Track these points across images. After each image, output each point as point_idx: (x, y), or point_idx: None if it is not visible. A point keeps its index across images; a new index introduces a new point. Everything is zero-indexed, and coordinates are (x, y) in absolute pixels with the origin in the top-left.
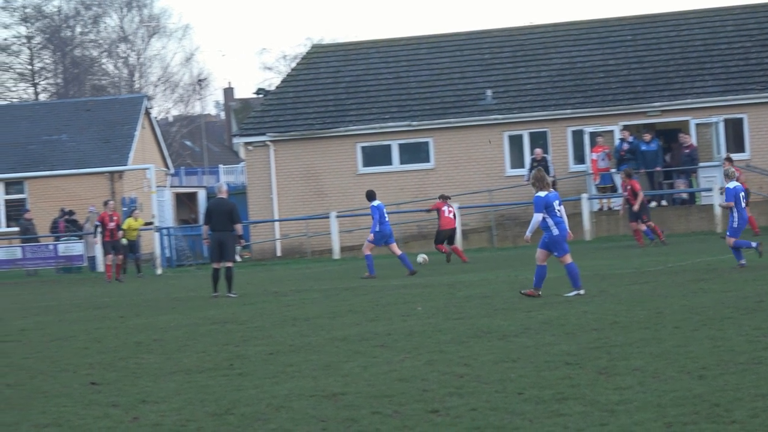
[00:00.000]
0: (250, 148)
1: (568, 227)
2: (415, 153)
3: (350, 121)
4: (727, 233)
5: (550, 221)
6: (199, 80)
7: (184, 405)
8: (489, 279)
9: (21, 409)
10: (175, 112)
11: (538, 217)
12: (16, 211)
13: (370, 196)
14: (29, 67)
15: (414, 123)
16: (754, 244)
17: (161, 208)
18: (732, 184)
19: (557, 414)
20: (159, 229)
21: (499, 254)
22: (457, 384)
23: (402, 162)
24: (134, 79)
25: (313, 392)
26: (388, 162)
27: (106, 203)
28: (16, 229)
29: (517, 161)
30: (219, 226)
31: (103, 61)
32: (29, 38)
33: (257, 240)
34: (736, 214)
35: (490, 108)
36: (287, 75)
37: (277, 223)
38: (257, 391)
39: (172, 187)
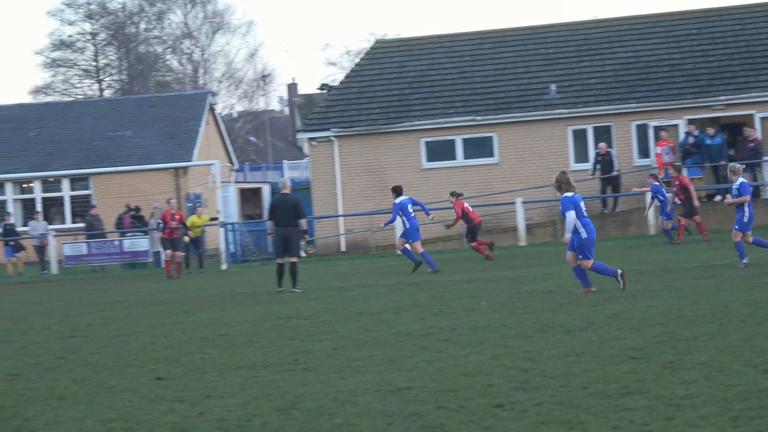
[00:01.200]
0: (314, 143)
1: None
2: (479, 148)
3: (414, 116)
4: (735, 227)
5: (578, 223)
6: (263, 76)
7: (250, 400)
8: (553, 274)
9: (87, 404)
10: (239, 108)
11: (572, 215)
12: (81, 207)
13: (396, 191)
14: (94, 63)
15: (478, 118)
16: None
17: (226, 204)
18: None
19: (622, 408)
20: (224, 225)
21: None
22: (522, 378)
23: (466, 157)
24: (198, 75)
25: (378, 387)
26: (452, 157)
27: (168, 201)
28: (82, 225)
29: (582, 155)
30: (283, 222)
31: (168, 57)
32: (94, 35)
33: (321, 235)
34: (747, 210)
35: (554, 102)
36: (351, 70)
37: (341, 219)
38: (322, 386)
39: (236, 182)
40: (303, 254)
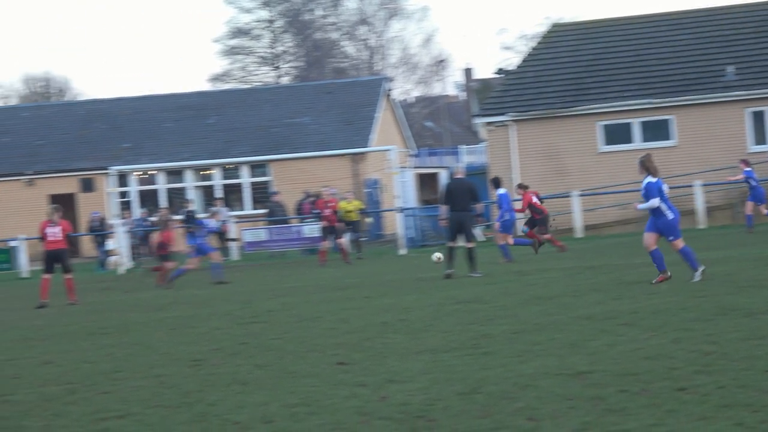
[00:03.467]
0: (490, 128)
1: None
2: (656, 130)
3: (590, 99)
4: None
5: (663, 206)
6: (439, 61)
7: (431, 384)
8: (733, 257)
9: (270, 389)
10: (415, 94)
11: (656, 201)
12: (261, 194)
13: (496, 183)
14: (271, 50)
15: (655, 100)
16: None
17: (404, 189)
18: None
19: None
20: (402, 210)
21: (742, 231)
22: (704, 362)
23: (643, 140)
24: (374, 61)
25: (559, 371)
26: (629, 140)
27: (321, 190)
28: (263, 211)
29: (761, 137)
30: (459, 206)
31: (344, 43)
32: (271, 22)
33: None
34: None
35: (731, 84)
36: (527, 54)
37: (517, 203)
38: (503, 370)
39: (414, 167)
40: (481, 238)
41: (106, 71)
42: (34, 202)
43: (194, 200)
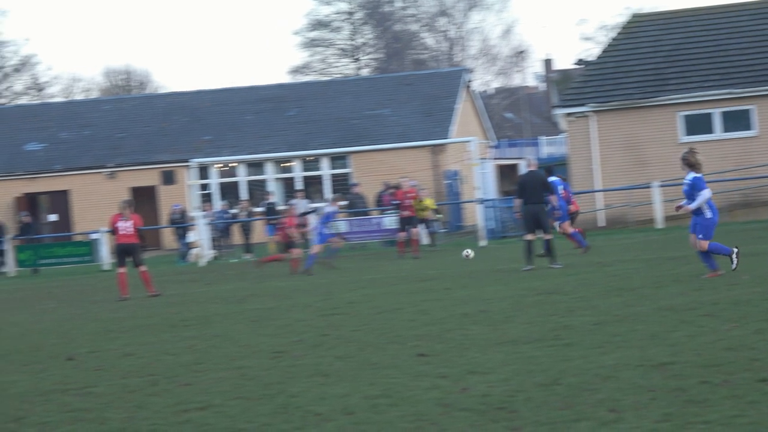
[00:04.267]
0: (570, 119)
1: None
2: (737, 121)
3: (671, 90)
4: None
5: (705, 204)
6: (519, 52)
7: (512, 375)
8: None
9: (351, 381)
10: (495, 85)
11: (708, 193)
12: (340, 186)
13: (548, 172)
14: (351, 42)
15: (736, 90)
16: None
17: (484, 180)
18: None
19: None
20: (482, 201)
21: None
22: None
23: (724, 130)
24: (454, 52)
25: (640, 362)
26: (710, 130)
27: (401, 181)
28: (343, 203)
29: None
30: (533, 199)
31: (424, 35)
32: (350, 14)
33: (579, 211)
34: None
35: None
36: (607, 45)
37: (599, 194)
38: (584, 362)
39: (494, 159)
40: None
41: (186, 64)
42: (116, 194)
43: (274, 192)
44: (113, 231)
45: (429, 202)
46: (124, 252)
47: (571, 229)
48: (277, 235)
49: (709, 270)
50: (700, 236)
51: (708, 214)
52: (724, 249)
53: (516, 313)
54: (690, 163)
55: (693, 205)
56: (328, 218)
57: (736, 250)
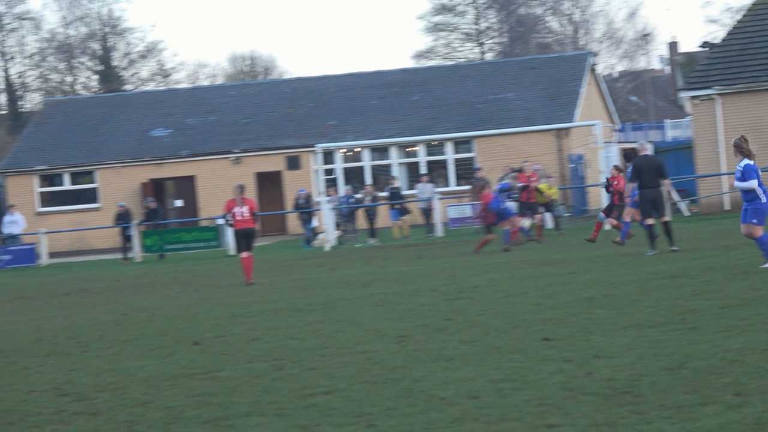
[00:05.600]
0: (695, 101)
1: None
2: None
3: None
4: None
5: (759, 189)
6: (644, 35)
7: (637, 360)
8: None
9: (476, 365)
10: (620, 68)
11: (755, 182)
12: (465, 170)
13: (628, 157)
14: (475, 26)
15: None
16: None
17: (608, 164)
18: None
19: None
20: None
21: None
22: None
23: None
24: (578, 35)
25: (766, 346)
26: None
27: (523, 165)
28: (466, 187)
29: None
30: (649, 183)
31: (548, 19)
32: None
33: (705, 194)
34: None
35: None
36: (732, 27)
37: (724, 177)
38: (709, 345)
39: (618, 142)
40: (687, 213)
41: (311, 49)
42: (242, 179)
43: (398, 177)
44: (231, 216)
45: (544, 186)
46: (243, 237)
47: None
48: (478, 215)
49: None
50: (755, 221)
51: (763, 198)
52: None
53: (641, 297)
54: (742, 150)
55: (743, 185)
56: (502, 194)
57: None
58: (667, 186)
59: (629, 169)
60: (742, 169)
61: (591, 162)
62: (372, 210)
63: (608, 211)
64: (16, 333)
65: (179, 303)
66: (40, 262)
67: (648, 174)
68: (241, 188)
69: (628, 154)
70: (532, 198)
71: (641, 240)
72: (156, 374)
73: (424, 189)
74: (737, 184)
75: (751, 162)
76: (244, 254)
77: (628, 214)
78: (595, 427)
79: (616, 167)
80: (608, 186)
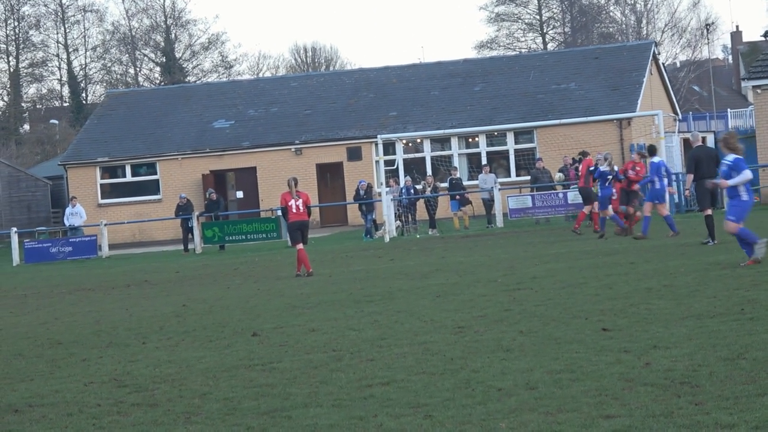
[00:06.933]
0: (758, 91)
1: None
2: None
3: None
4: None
5: (742, 187)
6: (707, 25)
7: (696, 350)
8: None
9: (534, 356)
10: (682, 58)
11: (749, 173)
12: (525, 161)
13: (651, 151)
14: (537, 17)
15: None
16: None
17: (670, 154)
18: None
19: None
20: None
21: None
22: None
23: None
24: (641, 25)
25: None
26: None
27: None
28: (527, 177)
29: None
30: (707, 174)
31: (611, 8)
32: None
33: (766, 184)
34: None
35: None
36: None
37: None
38: None
39: (680, 132)
40: None
41: (373, 40)
42: (303, 171)
43: (458, 168)
44: (286, 210)
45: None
46: (298, 229)
47: (666, 212)
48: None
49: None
50: (732, 218)
51: (744, 196)
52: (752, 236)
53: (701, 287)
54: (730, 146)
55: (732, 181)
56: (603, 179)
57: (766, 240)
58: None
59: (688, 159)
60: (731, 162)
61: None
62: (432, 201)
63: (625, 201)
64: (76, 324)
65: (239, 294)
66: (101, 253)
67: (707, 164)
68: (296, 181)
69: (652, 148)
70: (632, 187)
71: (700, 230)
72: (214, 365)
73: (486, 179)
74: (732, 181)
75: (741, 156)
76: (299, 246)
77: (648, 208)
78: (653, 417)
79: (639, 153)
80: (622, 175)
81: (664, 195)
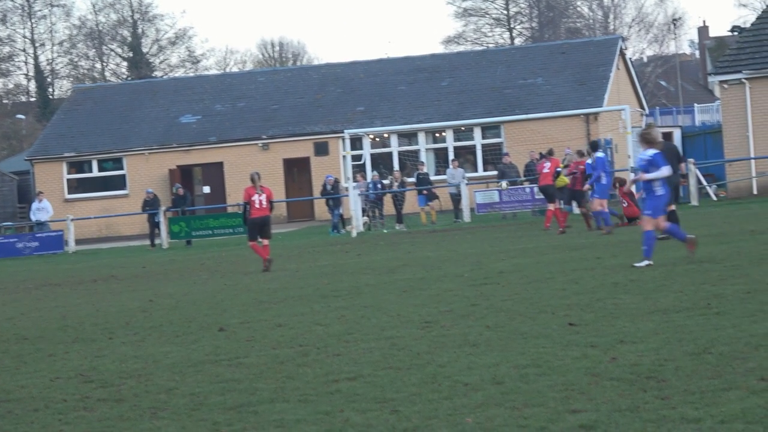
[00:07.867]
0: (725, 86)
1: None
2: None
3: None
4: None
5: (658, 182)
6: (674, 20)
7: (662, 345)
8: None
9: (501, 351)
10: (649, 53)
11: (668, 170)
12: (492, 155)
13: (593, 146)
14: (504, 12)
15: None
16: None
17: (636, 149)
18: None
19: None
20: (635, 171)
21: None
22: None
23: None
24: (608, 20)
25: None
26: None
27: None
28: (494, 172)
29: None
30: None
31: (578, 3)
32: None
33: (733, 179)
34: None
35: None
36: (762, 11)
37: (752, 161)
38: (735, 330)
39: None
40: (714, 198)
41: (340, 35)
42: (270, 166)
43: (426, 163)
44: (249, 205)
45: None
46: (258, 226)
47: (600, 208)
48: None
49: (683, 242)
50: (648, 213)
51: (659, 191)
52: (679, 233)
53: (667, 282)
54: (648, 140)
55: (649, 176)
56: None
57: (648, 262)
58: (682, 170)
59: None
60: (649, 158)
61: (619, 147)
62: (399, 196)
63: (576, 199)
64: (43, 320)
65: (205, 289)
66: (67, 248)
67: (669, 160)
68: (259, 175)
69: (594, 143)
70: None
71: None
72: (181, 361)
73: (454, 174)
74: (648, 176)
75: (658, 150)
76: (254, 243)
77: (598, 204)
78: (619, 412)
79: (579, 152)
80: (573, 173)
81: (608, 191)
